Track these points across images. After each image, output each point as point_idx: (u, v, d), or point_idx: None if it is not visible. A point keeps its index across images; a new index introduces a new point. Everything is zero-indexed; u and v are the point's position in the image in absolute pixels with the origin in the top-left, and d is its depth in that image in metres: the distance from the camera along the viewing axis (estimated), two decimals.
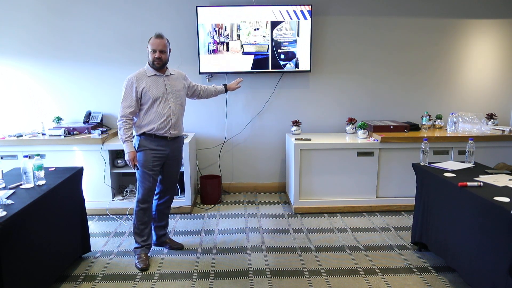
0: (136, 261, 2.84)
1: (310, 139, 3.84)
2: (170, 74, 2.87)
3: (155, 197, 2.99)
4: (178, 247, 3.10)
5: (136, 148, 2.83)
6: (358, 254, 3.01)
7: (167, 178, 2.97)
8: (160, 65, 2.76)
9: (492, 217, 2.16)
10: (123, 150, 3.84)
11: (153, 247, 3.09)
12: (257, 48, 4.05)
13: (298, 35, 4.04)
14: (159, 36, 2.75)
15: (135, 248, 2.91)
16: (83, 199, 2.93)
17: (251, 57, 4.06)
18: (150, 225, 2.96)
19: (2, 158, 3.66)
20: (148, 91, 2.73)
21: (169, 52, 2.83)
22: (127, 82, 2.75)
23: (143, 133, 2.79)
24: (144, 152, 2.80)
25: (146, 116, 2.76)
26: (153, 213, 3.01)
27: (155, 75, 2.79)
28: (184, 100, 2.95)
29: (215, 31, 4.00)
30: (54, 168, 2.87)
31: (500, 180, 2.53)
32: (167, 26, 4.06)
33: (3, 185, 2.44)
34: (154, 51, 2.73)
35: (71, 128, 3.82)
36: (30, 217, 2.17)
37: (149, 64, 2.80)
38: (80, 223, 2.86)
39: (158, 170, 2.88)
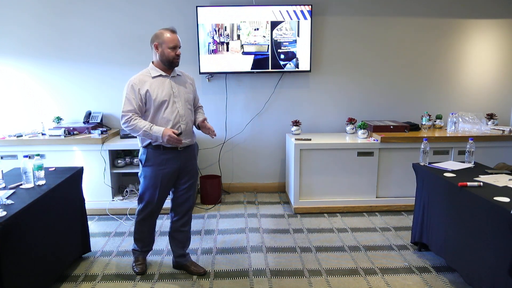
0: (133, 264, 2.77)
1: (310, 139, 3.84)
2: (177, 74, 2.59)
3: (170, 213, 2.74)
4: (199, 273, 2.70)
5: (143, 162, 2.54)
6: (358, 254, 3.01)
7: (181, 193, 2.66)
8: (178, 63, 2.51)
9: (492, 217, 2.16)
10: (123, 150, 3.91)
11: (153, 247, 3.06)
12: (257, 48, 4.05)
13: (298, 35, 4.04)
14: (175, 31, 2.48)
15: (133, 249, 2.81)
16: (83, 199, 2.92)
17: (251, 57, 4.06)
18: (152, 233, 2.79)
19: (2, 158, 3.66)
20: (152, 95, 2.43)
21: None
22: (127, 86, 2.43)
23: (150, 145, 2.50)
24: (151, 168, 2.52)
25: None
26: (169, 230, 2.77)
27: (160, 75, 2.49)
28: (193, 104, 2.67)
29: (215, 31, 4.00)
30: (54, 168, 2.87)
31: (500, 180, 2.53)
32: (167, 26, 4.05)
33: (3, 185, 2.44)
34: (174, 47, 2.44)
35: (71, 128, 3.82)
36: (30, 217, 2.17)
37: (161, 63, 2.49)
38: (80, 223, 2.86)
39: (169, 188, 2.63)
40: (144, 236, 2.75)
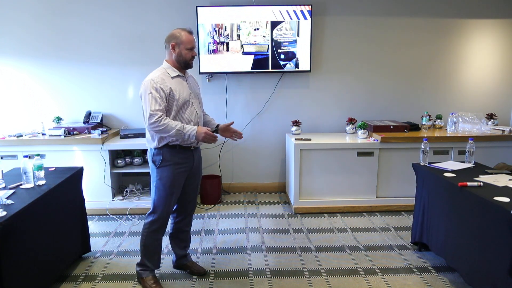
0: (149, 286, 2.51)
1: (310, 139, 3.84)
2: (190, 75, 2.58)
3: (172, 214, 2.67)
4: (200, 272, 2.72)
5: (158, 163, 2.43)
6: (358, 254, 3.01)
7: (189, 193, 2.62)
8: (193, 64, 2.49)
9: (492, 217, 2.16)
10: (123, 150, 3.91)
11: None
12: (257, 48, 4.05)
13: (298, 35, 4.04)
14: (192, 32, 2.44)
15: (141, 270, 2.55)
16: (83, 199, 2.93)
17: (251, 57, 4.06)
18: (161, 246, 2.63)
19: (2, 158, 3.66)
20: (175, 94, 2.37)
21: None
22: (149, 85, 2.32)
23: (166, 145, 2.41)
24: (168, 168, 2.43)
25: None
26: (170, 231, 2.70)
27: (178, 76, 2.44)
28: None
29: (215, 31, 4.00)
30: (54, 168, 2.87)
31: (500, 180, 2.53)
32: (167, 26, 4.05)
33: (3, 185, 2.44)
34: (191, 48, 2.41)
35: (71, 128, 3.82)
36: (30, 217, 2.17)
37: (176, 63, 2.44)
38: (80, 223, 2.86)
39: (181, 190, 2.55)
40: (156, 249, 2.57)
